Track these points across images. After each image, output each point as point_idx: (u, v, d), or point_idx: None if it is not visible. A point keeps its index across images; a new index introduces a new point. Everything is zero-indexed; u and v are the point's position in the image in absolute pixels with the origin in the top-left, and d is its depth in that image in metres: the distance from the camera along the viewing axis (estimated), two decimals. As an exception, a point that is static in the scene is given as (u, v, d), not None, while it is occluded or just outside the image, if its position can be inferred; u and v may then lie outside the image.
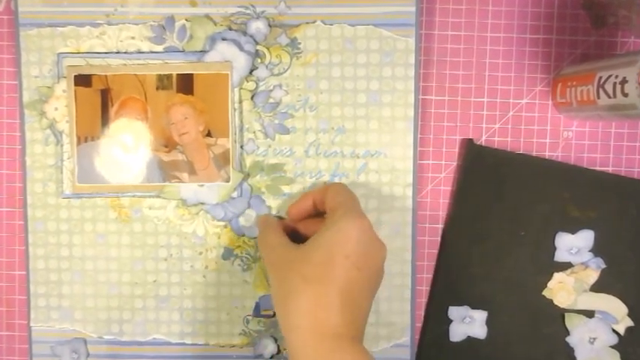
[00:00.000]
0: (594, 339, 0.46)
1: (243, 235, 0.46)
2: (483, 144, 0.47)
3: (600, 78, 0.40)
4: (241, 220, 0.46)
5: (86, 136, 0.46)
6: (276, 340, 0.47)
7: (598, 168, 0.47)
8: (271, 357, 0.47)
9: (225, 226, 0.46)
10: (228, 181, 0.46)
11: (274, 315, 0.46)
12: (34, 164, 0.46)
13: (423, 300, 0.48)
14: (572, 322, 0.46)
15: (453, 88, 0.47)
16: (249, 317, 0.47)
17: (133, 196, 0.46)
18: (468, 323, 0.47)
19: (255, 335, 0.47)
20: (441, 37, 0.46)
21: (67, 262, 0.46)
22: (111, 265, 0.46)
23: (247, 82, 0.45)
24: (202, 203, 0.46)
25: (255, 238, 0.46)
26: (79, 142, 0.46)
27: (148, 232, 0.46)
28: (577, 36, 0.46)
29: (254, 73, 0.45)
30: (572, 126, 0.47)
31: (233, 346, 0.47)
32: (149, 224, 0.46)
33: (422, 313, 0.48)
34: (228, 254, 0.46)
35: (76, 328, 0.47)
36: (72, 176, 0.46)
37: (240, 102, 0.45)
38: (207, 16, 0.45)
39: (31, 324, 0.47)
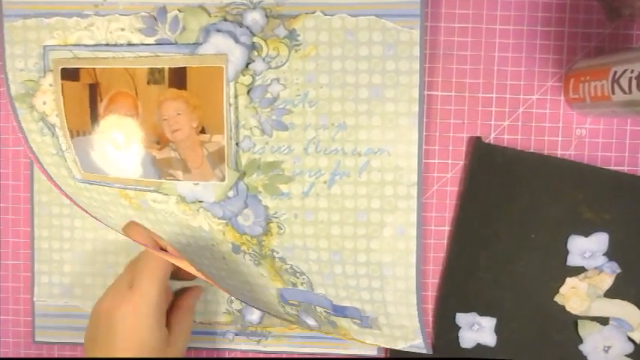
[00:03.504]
0: (609, 347, 0.45)
1: (245, 234, 0.45)
2: (492, 142, 0.46)
3: (615, 73, 0.39)
4: (240, 220, 0.44)
5: (78, 130, 0.44)
6: None
7: (613, 167, 0.46)
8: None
9: (227, 224, 0.44)
10: (223, 180, 0.44)
11: (299, 304, 0.45)
12: (40, 150, 0.45)
13: (430, 306, 0.46)
14: (585, 329, 0.45)
15: (460, 83, 0.45)
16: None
17: (135, 189, 0.45)
18: (477, 330, 0.45)
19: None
20: (448, 30, 0.45)
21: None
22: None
23: (243, 76, 0.43)
24: (200, 201, 0.44)
25: (257, 236, 0.45)
26: (72, 136, 0.44)
27: (161, 222, 0.45)
28: (591, 28, 0.45)
29: (250, 66, 0.43)
30: (586, 123, 0.45)
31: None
32: (160, 215, 0.45)
33: (429, 319, 0.46)
34: (236, 250, 0.45)
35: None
36: (76, 165, 0.45)
37: (236, 97, 0.43)
38: (201, 7, 0.43)
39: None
